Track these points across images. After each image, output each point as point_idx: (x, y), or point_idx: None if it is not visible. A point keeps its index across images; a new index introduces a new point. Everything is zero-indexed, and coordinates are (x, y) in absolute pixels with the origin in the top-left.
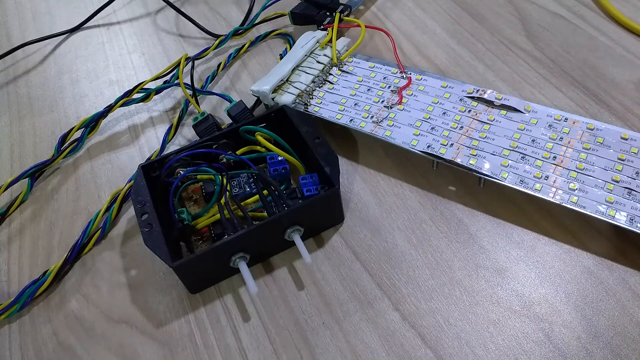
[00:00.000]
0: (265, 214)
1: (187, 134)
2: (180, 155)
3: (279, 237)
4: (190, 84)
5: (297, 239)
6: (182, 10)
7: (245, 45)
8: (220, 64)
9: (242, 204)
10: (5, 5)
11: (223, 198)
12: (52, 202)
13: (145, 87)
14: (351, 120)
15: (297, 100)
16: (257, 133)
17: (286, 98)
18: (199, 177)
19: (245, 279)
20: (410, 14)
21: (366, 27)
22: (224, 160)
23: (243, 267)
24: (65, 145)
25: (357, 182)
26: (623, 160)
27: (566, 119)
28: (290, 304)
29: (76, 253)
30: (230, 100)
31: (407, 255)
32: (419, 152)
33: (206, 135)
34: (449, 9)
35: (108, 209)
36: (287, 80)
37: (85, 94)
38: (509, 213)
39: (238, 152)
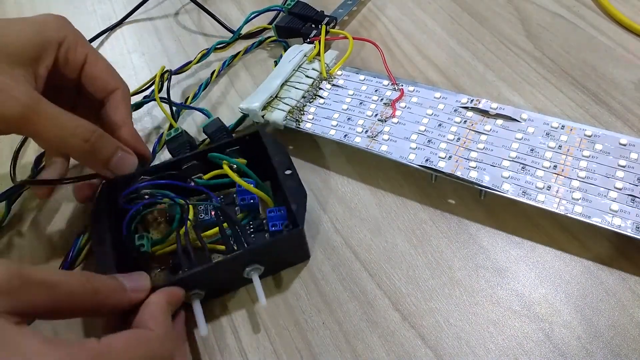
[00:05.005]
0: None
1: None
2: (139, 184)
3: (238, 275)
4: (167, 99)
5: (256, 279)
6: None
7: (240, 52)
8: (213, 72)
9: (205, 234)
10: (5, 5)
11: (183, 228)
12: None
13: None
14: (345, 135)
15: (288, 117)
16: (224, 162)
17: (277, 115)
18: (164, 199)
19: (197, 321)
20: (409, 13)
21: (354, 38)
22: (192, 183)
23: (197, 307)
24: (41, 166)
25: (357, 181)
26: (624, 166)
27: (563, 126)
28: (290, 304)
29: (68, 266)
30: (208, 116)
31: (407, 255)
32: (418, 167)
33: (178, 154)
34: (449, 9)
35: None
36: (276, 96)
37: None
38: (510, 218)
39: (208, 175)
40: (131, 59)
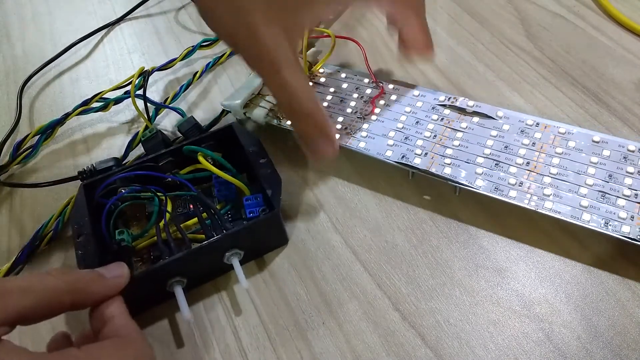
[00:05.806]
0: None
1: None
2: (115, 177)
3: (218, 261)
4: (142, 95)
5: (236, 263)
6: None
7: (225, 54)
8: (196, 72)
9: (184, 225)
10: (5, 5)
11: (162, 220)
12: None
13: (104, 96)
14: None
15: (269, 114)
16: (198, 154)
17: (258, 112)
18: (142, 195)
19: (180, 305)
20: None
21: (336, 37)
22: (169, 179)
23: (178, 292)
24: (20, 152)
25: (356, 181)
26: (595, 163)
27: (537, 123)
28: (290, 303)
29: (26, 255)
30: (183, 115)
31: (407, 255)
32: (394, 163)
33: (153, 153)
34: (449, 9)
35: (61, 213)
36: (258, 93)
37: (85, 94)
38: (511, 218)
39: (185, 170)
40: (131, 59)
